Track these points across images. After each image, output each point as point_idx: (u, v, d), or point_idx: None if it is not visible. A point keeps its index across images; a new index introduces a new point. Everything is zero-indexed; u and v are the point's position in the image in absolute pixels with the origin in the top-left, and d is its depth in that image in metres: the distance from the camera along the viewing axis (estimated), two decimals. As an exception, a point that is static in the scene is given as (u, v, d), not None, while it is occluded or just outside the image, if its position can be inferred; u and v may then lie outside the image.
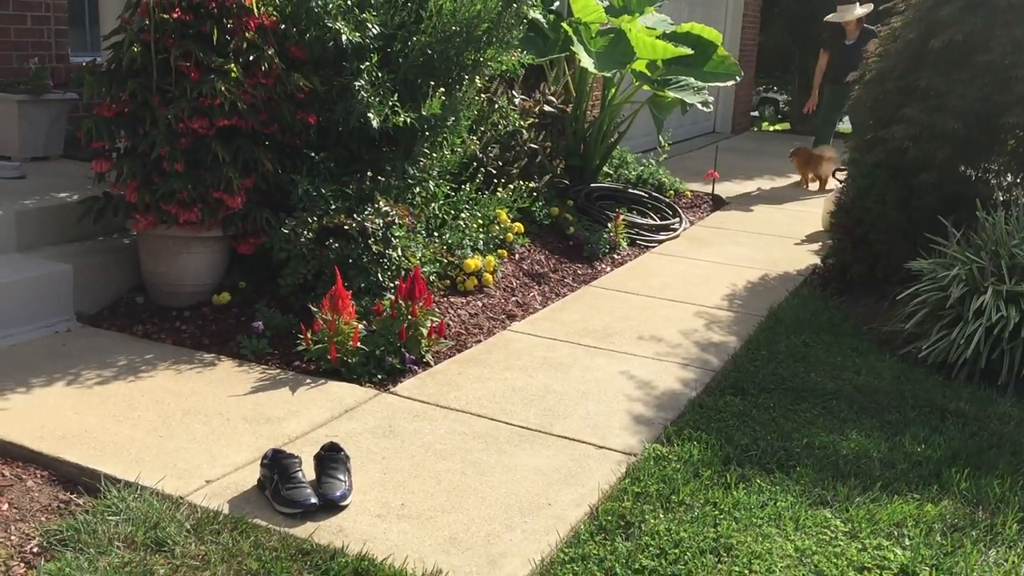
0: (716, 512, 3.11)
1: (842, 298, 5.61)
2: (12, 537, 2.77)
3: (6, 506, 2.90)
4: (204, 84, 4.36)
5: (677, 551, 2.87)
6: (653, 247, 6.89)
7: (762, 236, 7.38)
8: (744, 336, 4.94)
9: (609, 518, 3.04)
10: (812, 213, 8.15)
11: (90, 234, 4.93)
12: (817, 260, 6.52)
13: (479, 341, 4.72)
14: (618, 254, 6.57)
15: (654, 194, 7.74)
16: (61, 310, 4.45)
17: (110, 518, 2.85)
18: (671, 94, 7.22)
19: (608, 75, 6.96)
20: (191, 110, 4.41)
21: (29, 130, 5.60)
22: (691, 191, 8.60)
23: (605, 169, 7.90)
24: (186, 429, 3.49)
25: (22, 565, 2.66)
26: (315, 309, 4.31)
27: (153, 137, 4.43)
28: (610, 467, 3.42)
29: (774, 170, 10.29)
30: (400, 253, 4.74)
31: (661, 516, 3.06)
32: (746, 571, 2.79)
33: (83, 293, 4.56)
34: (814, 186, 9.43)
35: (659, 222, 7.30)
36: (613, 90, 7.52)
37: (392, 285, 4.65)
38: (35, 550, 2.73)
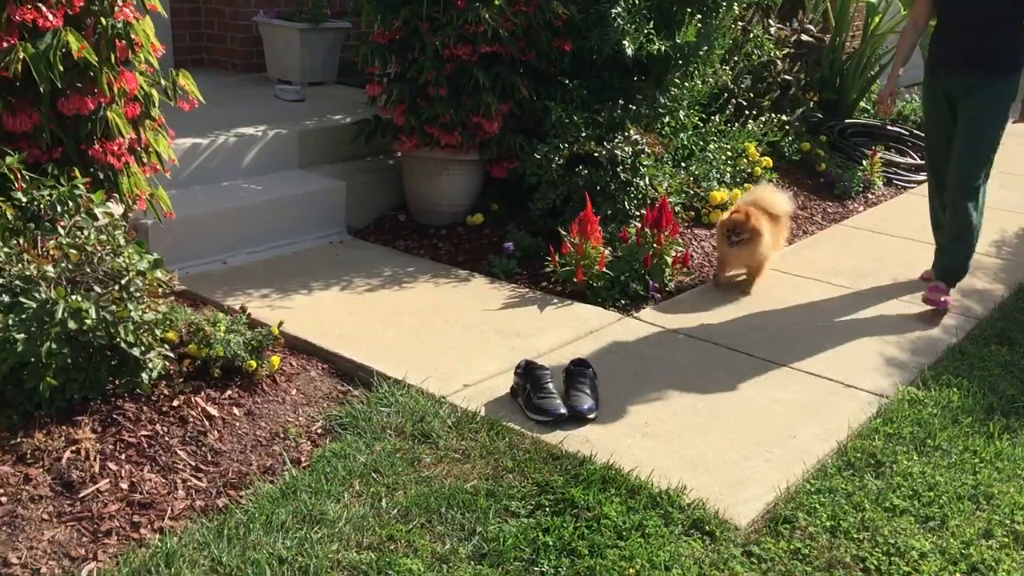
0: (976, 460, 2.98)
1: None
2: (300, 418, 3.11)
3: (295, 392, 3.26)
4: (470, 12, 4.54)
5: (931, 494, 2.78)
6: (912, 188, 6.49)
7: (1038, 180, 6.76)
8: (1013, 285, 4.59)
9: (858, 455, 2.99)
10: (1100, 157, 7.35)
11: (360, 154, 5.31)
12: (1104, 208, 5.90)
13: (722, 274, 4.69)
14: (872, 193, 6.25)
15: (915, 132, 7.26)
16: (335, 223, 4.86)
17: (382, 409, 3.14)
18: (943, 23, 6.68)
19: (873, 1, 6.55)
20: (457, 37, 4.61)
21: (308, 57, 6.07)
22: (957, 130, 7.97)
23: (862, 104, 7.48)
24: (445, 337, 3.75)
25: (308, 443, 2.99)
26: (563, 233, 4.44)
27: (421, 63, 4.69)
28: (859, 406, 3.34)
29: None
30: (647, 182, 4.77)
31: (915, 458, 2.97)
32: (1007, 521, 2.67)
33: (353, 208, 4.95)
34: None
35: (919, 162, 6.85)
36: (877, 19, 7.06)
37: (638, 213, 4.71)
38: (319, 431, 3.06)
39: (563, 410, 3.16)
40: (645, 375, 3.52)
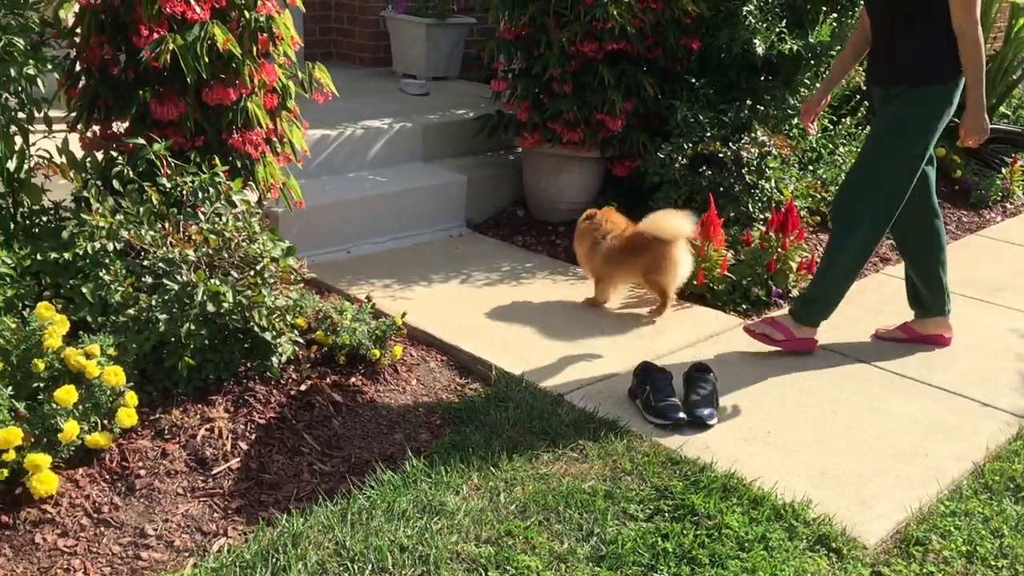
0: None
1: None
2: (420, 409, 3.15)
3: (415, 382, 3.30)
4: (598, 8, 4.52)
5: (1078, 525, 2.63)
6: (1055, 198, 6.14)
7: None
8: None
9: (996, 478, 2.84)
10: None
11: (481, 149, 5.35)
12: None
13: (848, 282, 4.53)
14: (1011, 203, 5.94)
15: (1062, 139, 6.85)
16: (455, 216, 4.91)
17: (500, 404, 3.15)
18: (1097, 25, 6.30)
19: (1018, 2, 6.23)
20: (583, 33, 4.59)
21: (433, 51, 6.14)
22: (1106, 138, 7.50)
23: (1002, 109, 7.10)
24: (563, 334, 3.74)
25: (428, 433, 3.02)
26: (685, 234, 4.37)
27: (546, 59, 4.69)
28: (997, 427, 3.18)
29: None
30: (773, 184, 4.65)
31: (1060, 485, 2.81)
32: None
33: (473, 203, 4.99)
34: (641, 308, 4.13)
35: (1064, 171, 6.47)
36: (1022, 20, 6.70)
37: (762, 216, 4.60)
38: (438, 422, 3.09)
39: (682, 415, 3.10)
40: (767, 383, 3.43)
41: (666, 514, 2.60)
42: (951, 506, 2.70)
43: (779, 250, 4.24)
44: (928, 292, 3.78)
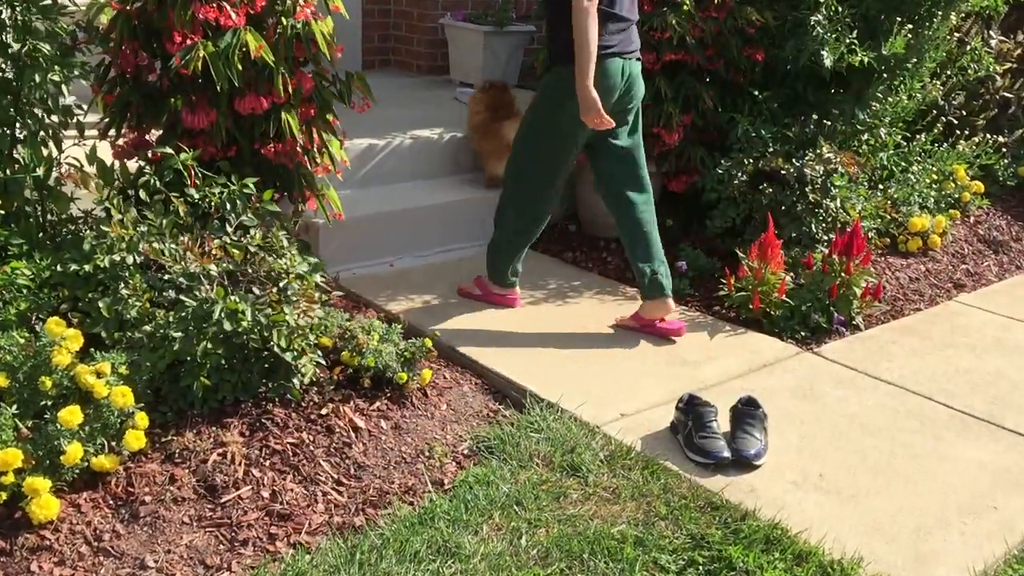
0: None
1: None
2: (448, 436, 3.00)
3: (445, 407, 3.15)
4: (656, 17, 4.33)
5: None
6: None
7: None
8: None
9: (1075, 540, 2.57)
10: None
11: (533, 161, 5.18)
12: None
13: (918, 309, 4.26)
14: (1102, 228, 5.55)
15: None
16: (502, 230, 4.75)
17: (532, 435, 2.98)
18: None
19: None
20: (641, 43, 4.39)
21: (491, 60, 6.00)
22: None
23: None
24: (606, 359, 3.55)
25: (453, 464, 2.87)
26: (741, 255, 4.14)
27: (601, 69, 4.50)
28: (1077, 479, 2.90)
29: None
30: (838, 204, 4.39)
31: None
32: None
33: (522, 216, 4.82)
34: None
35: None
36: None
37: (826, 238, 4.34)
38: (465, 452, 2.93)
39: (727, 453, 2.89)
40: (823, 419, 3.20)
41: (700, 567, 2.40)
42: (1020, 569, 2.45)
43: (843, 274, 3.98)
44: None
